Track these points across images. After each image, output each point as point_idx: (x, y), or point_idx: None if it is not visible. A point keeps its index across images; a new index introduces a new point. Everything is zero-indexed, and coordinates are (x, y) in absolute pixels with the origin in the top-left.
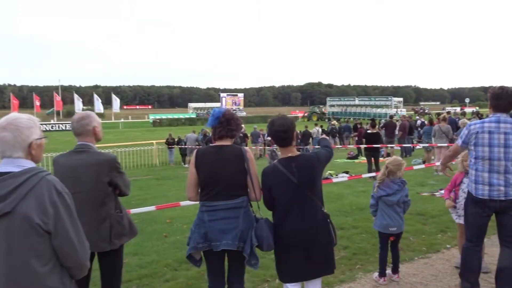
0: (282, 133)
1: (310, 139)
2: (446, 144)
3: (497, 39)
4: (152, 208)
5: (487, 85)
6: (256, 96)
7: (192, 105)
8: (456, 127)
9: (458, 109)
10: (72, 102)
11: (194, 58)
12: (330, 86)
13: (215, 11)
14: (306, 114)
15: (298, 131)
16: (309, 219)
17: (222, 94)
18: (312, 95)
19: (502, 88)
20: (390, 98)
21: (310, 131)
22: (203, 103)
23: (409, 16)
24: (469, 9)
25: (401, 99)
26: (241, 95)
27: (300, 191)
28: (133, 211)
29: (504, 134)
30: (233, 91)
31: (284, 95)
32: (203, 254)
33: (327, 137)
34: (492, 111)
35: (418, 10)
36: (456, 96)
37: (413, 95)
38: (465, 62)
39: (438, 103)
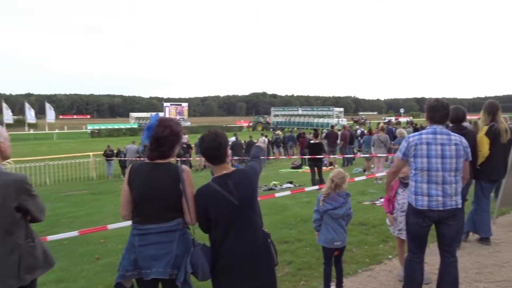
0: (213, 150)
1: None
2: (385, 154)
3: (428, 53)
4: (75, 233)
5: (419, 96)
6: (201, 106)
7: (133, 114)
8: (393, 137)
9: (393, 118)
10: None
11: (136, 66)
12: (274, 96)
13: (159, 18)
14: (251, 124)
15: (243, 141)
16: (250, 241)
17: (165, 104)
18: (257, 105)
19: (437, 100)
20: (331, 108)
21: (255, 141)
22: (146, 113)
23: (349, 30)
24: (404, 26)
25: (342, 109)
26: (185, 104)
27: (239, 210)
28: (50, 238)
29: (441, 145)
30: (177, 101)
31: (229, 105)
32: (136, 281)
33: (261, 145)
34: (429, 122)
35: (356, 25)
36: (392, 106)
37: (352, 105)
38: (400, 74)
39: (375, 113)
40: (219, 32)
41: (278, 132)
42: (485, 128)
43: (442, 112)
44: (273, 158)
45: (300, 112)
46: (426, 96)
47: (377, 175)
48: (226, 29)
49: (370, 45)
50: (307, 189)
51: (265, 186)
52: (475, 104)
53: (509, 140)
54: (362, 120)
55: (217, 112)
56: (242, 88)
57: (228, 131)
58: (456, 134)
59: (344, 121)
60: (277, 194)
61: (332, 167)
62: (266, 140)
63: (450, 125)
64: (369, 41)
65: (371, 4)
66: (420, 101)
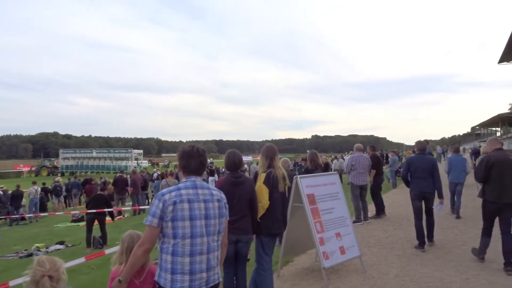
0: None
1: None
2: None
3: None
4: None
5: (217, 139)
6: None
7: None
8: None
9: None
10: None
11: None
12: (68, 137)
13: None
14: (33, 169)
15: (9, 192)
16: None
17: None
18: (46, 146)
19: (192, 146)
20: (130, 150)
21: (24, 191)
22: None
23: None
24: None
25: (141, 151)
26: None
27: None
28: None
29: (204, 202)
30: None
31: (10, 146)
32: None
33: None
34: (184, 174)
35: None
36: None
37: (155, 147)
38: (201, 119)
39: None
40: None
41: (58, 178)
42: (263, 175)
43: (197, 160)
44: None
45: (94, 154)
46: (224, 139)
47: None
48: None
49: (171, 86)
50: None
51: (25, 251)
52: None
53: (288, 188)
54: (167, 163)
55: None
56: (28, 127)
57: (1, 178)
58: (216, 189)
59: (144, 163)
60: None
61: (121, 216)
62: (39, 189)
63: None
64: (164, 80)
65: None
66: (218, 143)
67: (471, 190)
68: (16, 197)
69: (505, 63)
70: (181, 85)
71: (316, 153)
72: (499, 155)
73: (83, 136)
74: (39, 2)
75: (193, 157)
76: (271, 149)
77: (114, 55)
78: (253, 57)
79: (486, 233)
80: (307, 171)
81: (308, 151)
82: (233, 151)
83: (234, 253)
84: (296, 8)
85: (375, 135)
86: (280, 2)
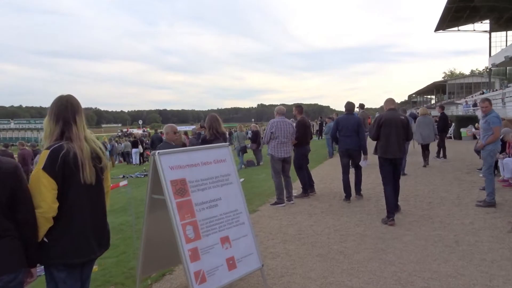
0: None
1: None
2: None
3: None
4: None
5: (161, 108)
6: None
7: None
8: None
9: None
10: None
11: None
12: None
13: None
14: None
15: None
16: None
17: None
18: None
19: None
20: (38, 121)
21: None
22: None
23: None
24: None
25: None
26: None
27: None
28: None
29: None
30: None
31: None
32: None
33: None
34: None
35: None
36: (136, 118)
37: (94, 117)
38: (143, 88)
39: (120, 124)
40: None
41: None
42: (45, 153)
43: None
44: None
45: (12, 125)
46: (168, 109)
47: None
48: None
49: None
50: None
51: None
52: None
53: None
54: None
55: None
56: None
57: None
58: None
59: None
60: None
61: None
62: None
63: None
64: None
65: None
66: (162, 113)
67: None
68: None
69: (440, 31)
70: (120, 53)
71: (216, 118)
72: (389, 114)
73: (12, 106)
74: None
75: None
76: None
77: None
78: (194, 23)
79: (385, 182)
80: (204, 141)
81: (252, 119)
82: None
83: None
84: None
85: (319, 103)
86: None
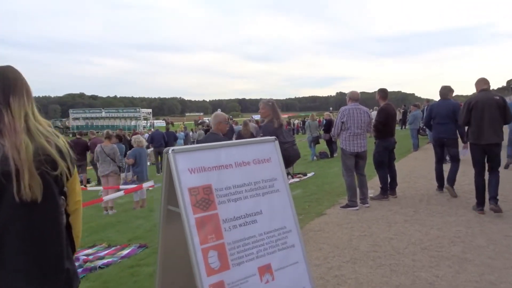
0: None
1: None
2: (110, 171)
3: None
4: None
5: (240, 98)
6: None
7: None
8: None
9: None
10: None
11: None
12: (94, 97)
13: None
14: None
15: None
16: None
17: None
18: (74, 107)
19: None
20: (138, 110)
21: None
22: None
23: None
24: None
25: (150, 110)
26: None
27: None
28: None
29: None
30: None
31: (38, 107)
32: None
33: None
34: None
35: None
36: (217, 107)
37: (179, 107)
38: (225, 77)
39: (201, 113)
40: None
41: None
42: None
43: None
44: None
45: (103, 114)
46: (247, 98)
47: (105, 198)
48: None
49: (195, 46)
50: None
51: None
52: (287, 105)
53: None
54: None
55: None
56: (56, 88)
57: None
58: None
59: (162, 122)
60: None
61: (84, 186)
62: None
63: None
64: (190, 42)
65: None
66: (241, 102)
67: None
68: None
69: None
70: (203, 43)
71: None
72: (482, 95)
73: (108, 96)
74: None
75: None
76: None
77: (137, 15)
78: (274, 10)
79: (476, 172)
80: (267, 131)
81: (330, 108)
82: None
83: None
84: None
85: (403, 91)
86: None
